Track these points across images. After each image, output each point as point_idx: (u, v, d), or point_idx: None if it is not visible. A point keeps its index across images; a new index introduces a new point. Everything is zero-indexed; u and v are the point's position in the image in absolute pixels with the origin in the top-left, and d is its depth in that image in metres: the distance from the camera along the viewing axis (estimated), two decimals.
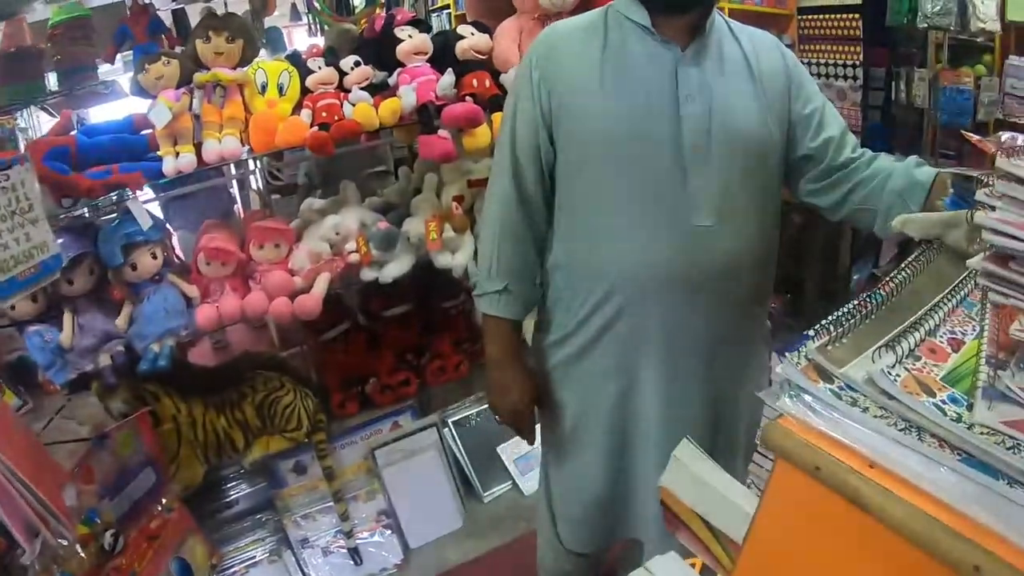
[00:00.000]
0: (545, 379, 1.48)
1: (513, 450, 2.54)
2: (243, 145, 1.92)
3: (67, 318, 1.80)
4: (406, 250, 2.08)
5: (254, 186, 3.34)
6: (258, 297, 1.92)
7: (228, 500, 2.32)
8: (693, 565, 0.83)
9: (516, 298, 1.42)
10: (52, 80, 2.67)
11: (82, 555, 1.12)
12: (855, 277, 2.76)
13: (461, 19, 3.47)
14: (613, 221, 1.29)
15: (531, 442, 1.54)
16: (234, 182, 3.39)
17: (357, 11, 3.43)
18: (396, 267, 2.05)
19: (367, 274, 2.05)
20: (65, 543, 1.08)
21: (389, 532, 2.34)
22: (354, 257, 2.02)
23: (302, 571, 2.28)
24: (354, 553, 2.29)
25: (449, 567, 2.30)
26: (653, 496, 1.34)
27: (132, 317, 1.86)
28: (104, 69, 2.76)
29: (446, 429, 2.48)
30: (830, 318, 0.70)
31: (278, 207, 3.01)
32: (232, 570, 2.14)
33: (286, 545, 2.26)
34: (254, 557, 2.23)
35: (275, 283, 1.93)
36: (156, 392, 1.94)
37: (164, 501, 1.36)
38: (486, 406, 2.51)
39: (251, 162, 2.86)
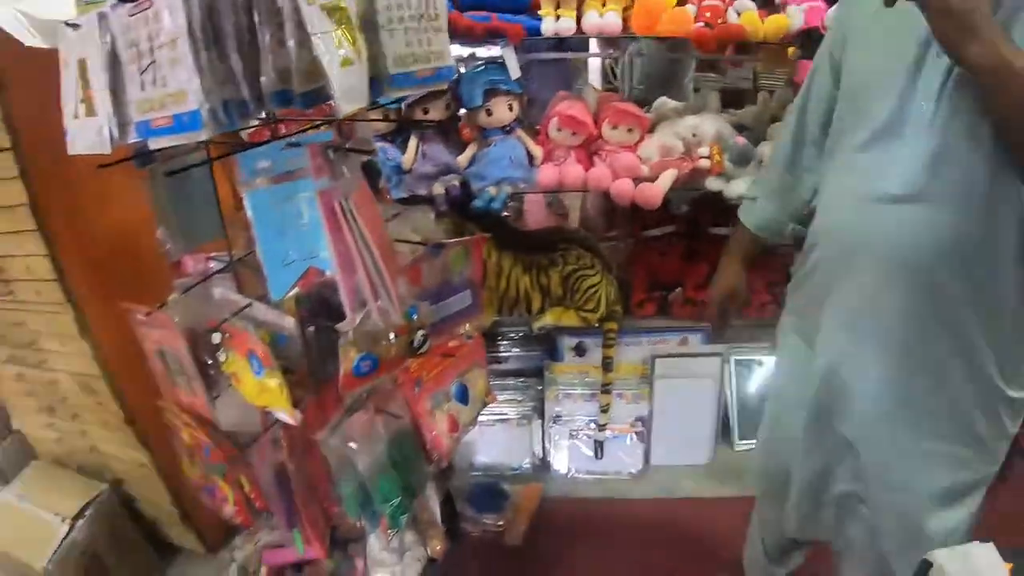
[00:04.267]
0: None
1: None
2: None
3: (412, 142, 1.92)
4: (756, 171, 2.00)
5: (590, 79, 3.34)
6: (603, 172, 1.94)
7: (500, 355, 2.43)
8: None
9: (761, 212, 1.51)
10: None
11: (392, 342, 1.19)
12: None
13: None
14: None
15: (717, 330, 1.69)
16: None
17: None
18: (742, 184, 1.98)
19: (713, 184, 2.01)
20: (382, 326, 1.15)
21: (638, 440, 2.34)
22: (704, 163, 1.99)
23: (543, 443, 2.35)
24: (598, 446, 2.32)
25: (680, 496, 2.28)
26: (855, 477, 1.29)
27: (475, 158, 1.94)
28: None
29: (728, 364, 2.40)
30: None
31: None
32: (482, 418, 2.27)
33: (539, 415, 2.34)
34: (505, 415, 2.35)
35: (624, 164, 1.94)
36: (475, 232, 2.03)
37: (467, 327, 1.42)
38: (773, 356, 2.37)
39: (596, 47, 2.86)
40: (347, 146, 1.08)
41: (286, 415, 1.13)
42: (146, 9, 0.91)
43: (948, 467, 1.19)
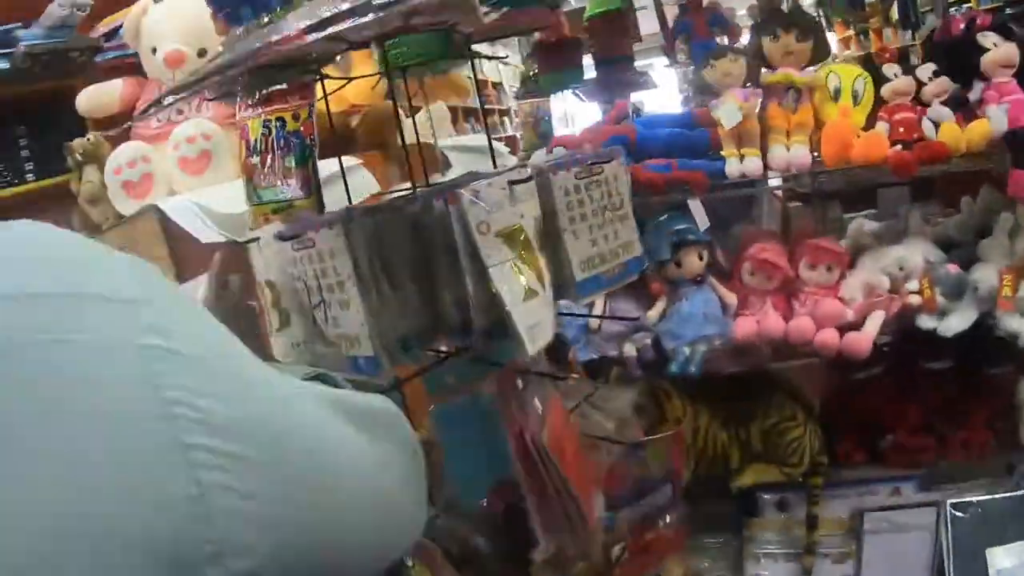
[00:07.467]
0: None
1: (1003, 557, 2.07)
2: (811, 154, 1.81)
3: (599, 301, 1.80)
4: (971, 301, 1.78)
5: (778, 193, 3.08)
6: (805, 323, 1.75)
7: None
8: None
9: None
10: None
11: (587, 562, 1.12)
12: None
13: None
14: None
15: None
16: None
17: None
18: (959, 320, 1.77)
19: (926, 322, 1.78)
20: (573, 552, 1.06)
21: None
22: (914, 299, 1.77)
23: None
24: None
25: None
26: None
27: (665, 313, 1.82)
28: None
29: (943, 512, 2.07)
30: None
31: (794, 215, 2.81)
32: None
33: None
34: None
35: (827, 312, 1.76)
36: (670, 392, 1.91)
37: (668, 519, 1.34)
38: (993, 496, 2.08)
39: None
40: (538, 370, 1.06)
41: None
42: (309, 248, 0.89)
43: None
